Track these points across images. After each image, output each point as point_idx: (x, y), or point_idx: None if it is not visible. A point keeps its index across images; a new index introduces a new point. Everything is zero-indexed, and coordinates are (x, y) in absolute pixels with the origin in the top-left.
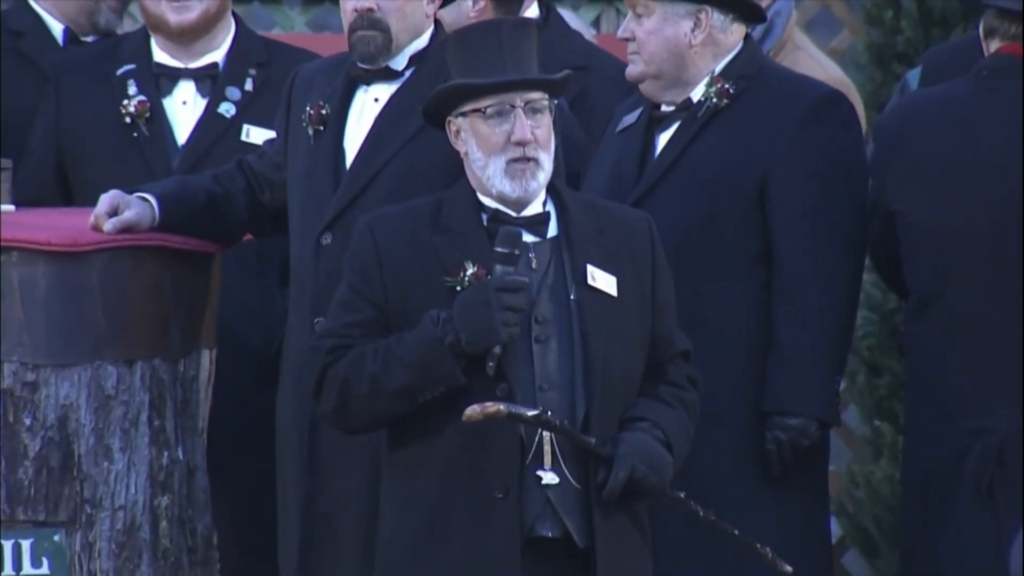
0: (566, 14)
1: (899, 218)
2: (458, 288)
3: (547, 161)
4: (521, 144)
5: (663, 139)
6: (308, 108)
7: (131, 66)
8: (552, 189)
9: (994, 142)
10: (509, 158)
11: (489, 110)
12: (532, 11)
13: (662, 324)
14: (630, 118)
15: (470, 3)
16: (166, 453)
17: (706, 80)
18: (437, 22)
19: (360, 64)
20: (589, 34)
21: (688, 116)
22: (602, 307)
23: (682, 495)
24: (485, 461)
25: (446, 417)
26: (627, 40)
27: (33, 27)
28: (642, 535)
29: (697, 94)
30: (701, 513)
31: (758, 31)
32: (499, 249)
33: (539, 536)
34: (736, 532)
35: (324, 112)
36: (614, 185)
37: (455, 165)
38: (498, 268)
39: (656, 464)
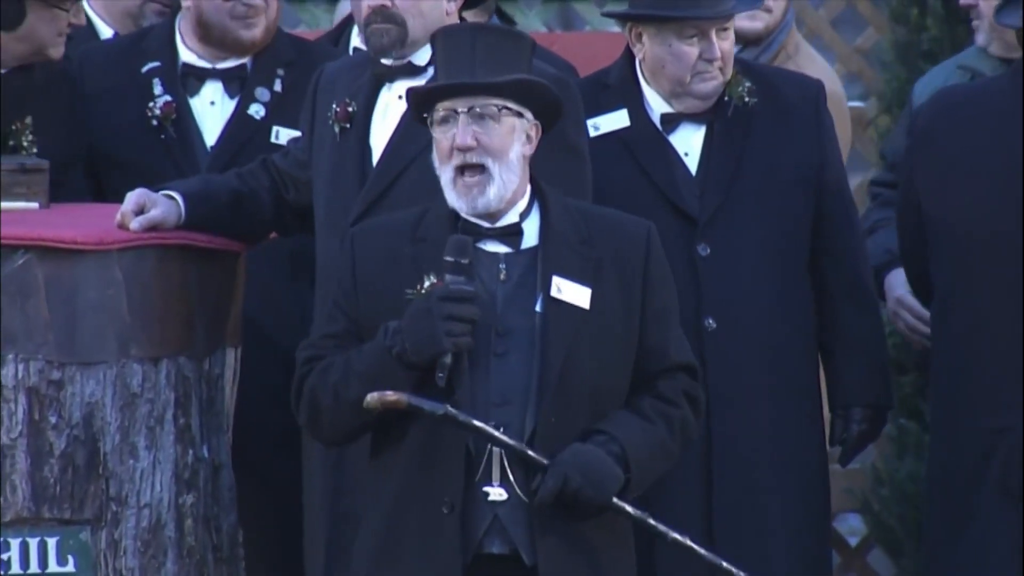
0: None
1: (926, 214)
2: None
3: (499, 170)
4: (461, 150)
5: (685, 140)
6: (334, 106)
7: (156, 63)
8: (540, 197)
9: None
10: (455, 165)
11: (436, 115)
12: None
13: (655, 335)
14: (607, 123)
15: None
16: (191, 451)
17: (725, 80)
18: (463, 19)
19: (376, 58)
20: None
21: (717, 116)
22: (569, 320)
23: (632, 511)
24: (434, 477)
25: (402, 431)
26: (713, 60)
27: (82, 31)
28: (594, 557)
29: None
30: (664, 532)
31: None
32: (447, 258)
33: (488, 553)
34: (704, 552)
35: (351, 110)
36: (672, 190)
37: None
38: (448, 278)
39: (597, 477)
